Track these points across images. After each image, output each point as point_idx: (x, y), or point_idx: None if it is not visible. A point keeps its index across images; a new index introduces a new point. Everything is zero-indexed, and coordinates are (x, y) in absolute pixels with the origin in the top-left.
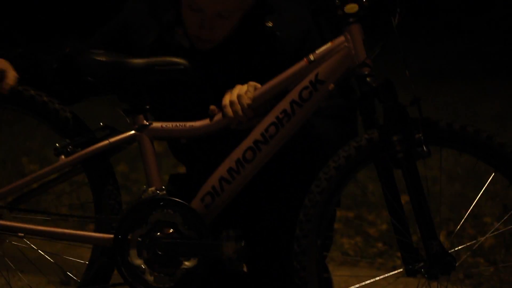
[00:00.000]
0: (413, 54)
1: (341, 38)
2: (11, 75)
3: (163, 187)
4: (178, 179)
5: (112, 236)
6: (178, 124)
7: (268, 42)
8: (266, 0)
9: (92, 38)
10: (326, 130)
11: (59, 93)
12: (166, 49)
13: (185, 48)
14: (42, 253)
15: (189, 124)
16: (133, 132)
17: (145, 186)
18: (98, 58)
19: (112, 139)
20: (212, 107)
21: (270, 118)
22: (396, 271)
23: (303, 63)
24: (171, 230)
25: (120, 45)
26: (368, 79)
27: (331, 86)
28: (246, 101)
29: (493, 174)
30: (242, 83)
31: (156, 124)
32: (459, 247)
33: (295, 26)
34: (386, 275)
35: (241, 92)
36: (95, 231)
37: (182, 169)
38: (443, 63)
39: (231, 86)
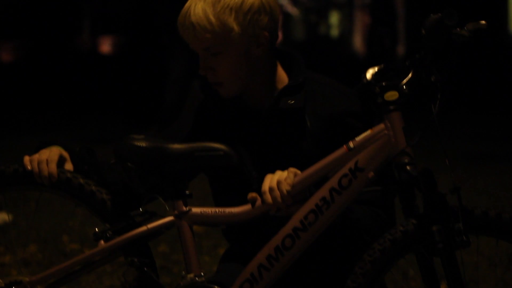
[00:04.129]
0: (454, 136)
1: (381, 126)
2: (53, 167)
3: (202, 273)
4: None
5: None
6: (217, 210)
7: (296, 119)
8: (293, 79)
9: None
10: (363, 215)
11: (119, 194)
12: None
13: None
14: None
15: (228, 210)
16: (172, 217)
17: (184, 272)
18: (138, 144)
19: (151, 225)
20: (252, 193)
21: (310, 205)
22: None
23: (342, 150)
24: None
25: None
26: (408, 167)
27: (371, 174)
28: (286, 187)
29: None
30: (282, 168)
31: (195, 210)
32: None
33: (325, 102)
34: None
35: (281, 179)
36: None
37: (222, 250)
38: (484, 146)
39: (271, 170)
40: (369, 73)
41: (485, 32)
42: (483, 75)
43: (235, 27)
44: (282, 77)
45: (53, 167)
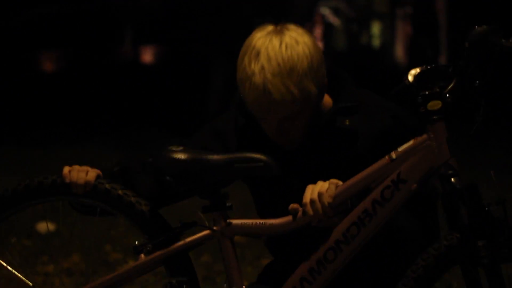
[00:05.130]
0: (503, 146)
1: (424, 136)
2: (92, 175)
3: (244, 286)
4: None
5: None
6: (257, 222)
7: (346, 139)
8: (346, 99)
9: (196, 135)
10: (407, 224)
11: (149, 197)
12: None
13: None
14: None
15: (269, 222)
16: (211, 230)
17: (225, 285)
18: (177, 156)
19: (190, 238)
20: (293, 205)
21: (352, 217)
22: None
23: (384, 161)
24: None
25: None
26: (452, 179)
27: (414, 185)
28: (327, 199)
29: None
30: (324, 179)
31: (236, 222)
32: None
33: (375, 123)
34: None
35: (322, 190)
36: None
37: (265, 261)
38: None
39: (312, 182)
40: (411, 75)
41: None
42: None
43: (313, 89)
44: (325, 98)
45: (92, 176)
